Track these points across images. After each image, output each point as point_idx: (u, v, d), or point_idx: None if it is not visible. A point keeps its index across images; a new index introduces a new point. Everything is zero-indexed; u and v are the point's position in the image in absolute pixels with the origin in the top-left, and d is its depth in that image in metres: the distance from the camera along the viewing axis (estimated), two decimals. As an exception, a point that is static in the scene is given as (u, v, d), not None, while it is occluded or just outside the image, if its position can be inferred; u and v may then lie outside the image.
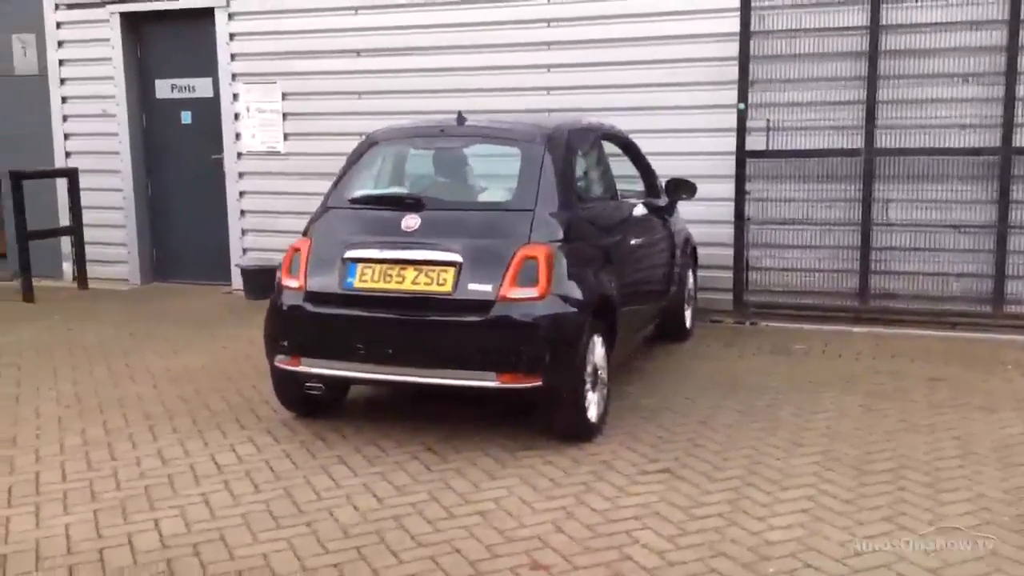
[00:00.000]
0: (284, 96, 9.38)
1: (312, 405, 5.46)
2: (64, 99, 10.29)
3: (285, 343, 5.12)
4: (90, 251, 10.09)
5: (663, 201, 6.80)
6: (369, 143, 5.60)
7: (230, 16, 9.47)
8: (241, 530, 4.06)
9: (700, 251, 7.81)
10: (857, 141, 7.52)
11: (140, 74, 10.11)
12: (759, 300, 7.94)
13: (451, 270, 4.82)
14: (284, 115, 9.40)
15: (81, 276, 9.97)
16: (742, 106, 7.67)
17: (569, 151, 5.36)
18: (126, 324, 8.21)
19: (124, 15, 9.90)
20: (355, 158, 5.55)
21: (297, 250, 5.19)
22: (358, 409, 5.66)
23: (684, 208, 7.59)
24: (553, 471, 4.67)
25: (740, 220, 7.82)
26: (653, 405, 5.70)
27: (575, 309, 4.86)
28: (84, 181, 10.01)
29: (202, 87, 9.84)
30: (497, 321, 4.73)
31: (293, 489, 4.50)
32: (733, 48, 7.67)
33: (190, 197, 10.07)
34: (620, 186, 6.73)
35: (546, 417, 5.02)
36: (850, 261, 7.67)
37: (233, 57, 9.53)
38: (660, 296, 6.63)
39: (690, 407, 5.65)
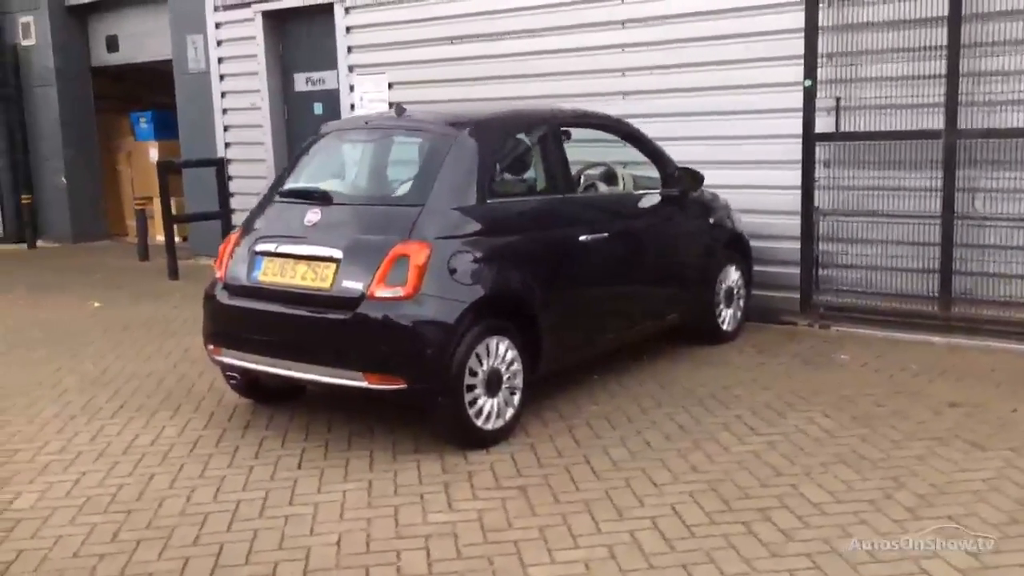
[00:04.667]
0: (391, 86, 9.59)
1: (263, 394, 5.57)
2: (223, 94, 11.16)
3: (210, 332, 5.28)
4: (241, 234, 10.92)
5: (676, 191, 6.22)
6: (318, 135, 5.61)
7: (346, 10, 9.81)
8: (68, 512, 4.25)
9: (763, 244, 7.12)
10: (938, 121, 6.46)
11: (282, 69, 10.73)
12: (831, 301, 7.08)
13: (332, 266, 4.75)
14: (390, 105, 9.57)
15: (227, 257, 10.80)
16: (808, 83, 6.84)
17: (490, 144, 5.08)
18: (223, 304, 8.77)
19: (265, 13, 10.54)
20: (303, 150, 5.60)
21: (228, 241, 5.33)
22: (314, 400, 5.69)
23: (743, 197, 7.05)
24: (410, 478, 4.49)
25: (807, 211, 7.00)
26: (597, 412, 5.32)
27: (448, 310, 4.61)
28: (236, 169, 10.86)
29: (330, 79, 10.28)
30: (363, 320, 4.60)
31: (159, 476, 4.65)
32: (794, 19, 6.85)
33: (323, 184, 10.56)
34: (637, 174, 6.38)
35: (431, 422, 4.82)
36: (931, 260, 6.63)
37: (350, 50, 9.87)
38: (660, 293, 6.12)
39: (632, 419, 5.20)
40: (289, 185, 5.36)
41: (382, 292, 4.59)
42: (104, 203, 14.06)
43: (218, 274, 5.26)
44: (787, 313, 7.24)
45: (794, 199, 7.03)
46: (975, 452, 4.54)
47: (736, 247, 6.80)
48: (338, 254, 4.75)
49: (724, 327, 6.69)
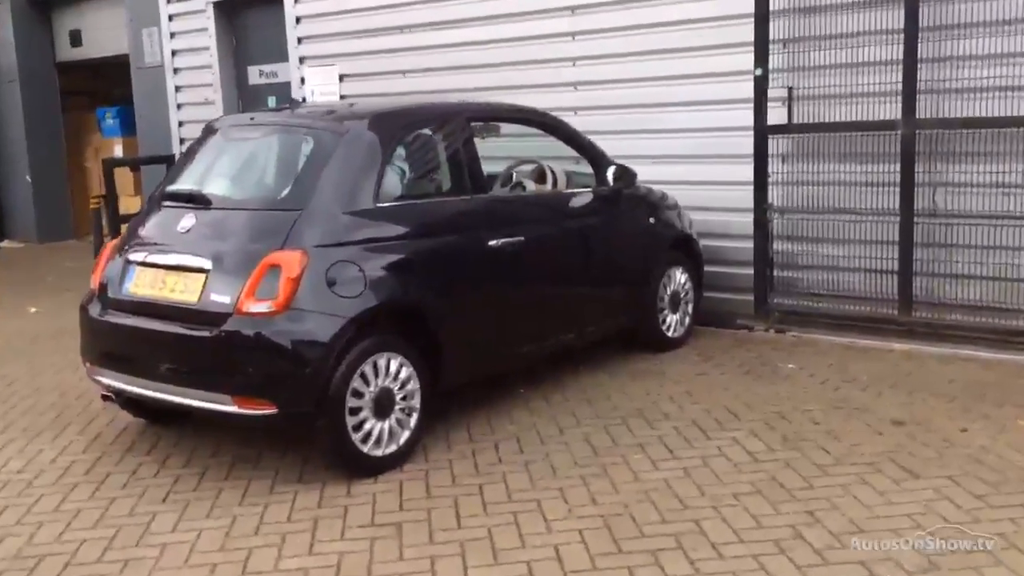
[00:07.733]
0: (342, 78, 9.14)
1: (152, 414, 5.14)
2: (178, 88, 10.74)
3: (84, 348, 4.87)
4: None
5: (608, 189, 5.75)
6: (207, 131, 5.17)
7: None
8: None
9: (716, 243, 6.67)
10: (896, 111, 5.96)
11: (235, 62, 10.30)
12: (787, 304, 6.59)
13: (201, 277, 4.32)
14: (341, 98, 9.16)
15: (181, 258, 10.41)
16: (759, 71, 6.35)
17: (384, 141, 4.63)
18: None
19: (217, 4, 10.11)
20: (191, 149, 5.16)
21: (106, 248, 4.92)
22: (208, 421, 5.23)
23: (694, 193, 6.62)
24: (279, 513, 4.07)
25: (760, 208, 6.52)
26: (510, 432, 4.87)
27: (324, 326, 4.17)
28: (190, 167, 10.42)
29: (283, 72, 9.84)
30: (229, 337, 4.17)
31: (11, 509, 4.25)
32: (745, 4, 6.36)
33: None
34: (577, 171, 5.95)
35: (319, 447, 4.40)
36: (890, 260, 6.13)
37: (300, 41, 9.43)
38: (592, 299, 5.67)
39: (546, 440, 4.76)
40: (170, 187, 4.92)
41: (251, 306, 4.16)
42: (71, 202, 13.69)
43: (93, 285, 4.85)
44: (742, 317, 6.76)
45: (747, 195, 6.55)
46: (908, 481, 4.06)
47: (684, 248, 6.33)
48: (207, 264, 4.32)
49: (670, 334, 6.22)
